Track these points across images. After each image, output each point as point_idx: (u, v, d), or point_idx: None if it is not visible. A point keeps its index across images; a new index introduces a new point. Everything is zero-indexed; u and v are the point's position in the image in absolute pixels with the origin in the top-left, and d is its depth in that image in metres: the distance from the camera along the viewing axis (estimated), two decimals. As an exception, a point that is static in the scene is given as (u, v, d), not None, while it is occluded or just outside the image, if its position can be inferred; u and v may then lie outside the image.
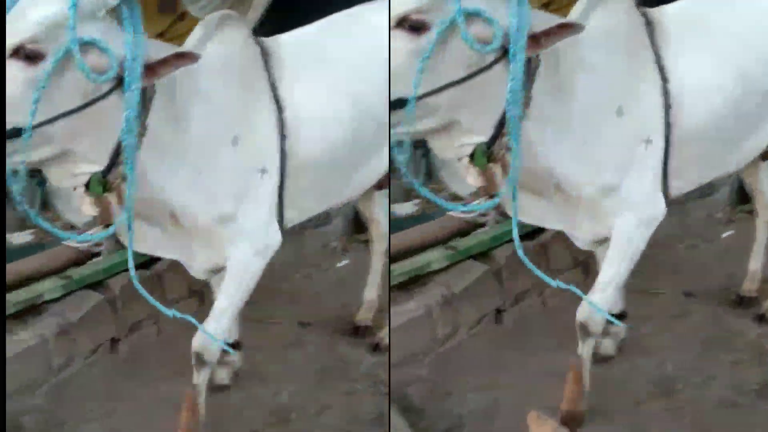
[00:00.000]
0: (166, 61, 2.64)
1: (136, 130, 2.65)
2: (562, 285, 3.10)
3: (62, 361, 3.65)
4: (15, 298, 3.63)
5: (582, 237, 3.31)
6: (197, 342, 3.11)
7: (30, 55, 2.49)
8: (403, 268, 3.81)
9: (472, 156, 2.87)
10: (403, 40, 2.68)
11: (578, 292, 3.15)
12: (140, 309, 3.74)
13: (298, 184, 3.18)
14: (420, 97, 2.68)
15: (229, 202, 3.06)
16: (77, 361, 3.68)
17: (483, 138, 2.85)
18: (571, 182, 3.12)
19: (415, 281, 3.84)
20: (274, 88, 3.08)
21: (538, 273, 3.10)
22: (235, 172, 3.04)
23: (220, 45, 2.99)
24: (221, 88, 2.98)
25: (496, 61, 2.73)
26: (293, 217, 3.27)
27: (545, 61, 2.87)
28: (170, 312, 2.95)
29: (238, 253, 3.11)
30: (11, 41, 2.49)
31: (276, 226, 3.18)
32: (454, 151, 2.91)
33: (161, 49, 2.67)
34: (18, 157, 2.53)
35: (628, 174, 3.16)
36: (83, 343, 3.72)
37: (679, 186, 3.33)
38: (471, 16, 2.66)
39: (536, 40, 2.74)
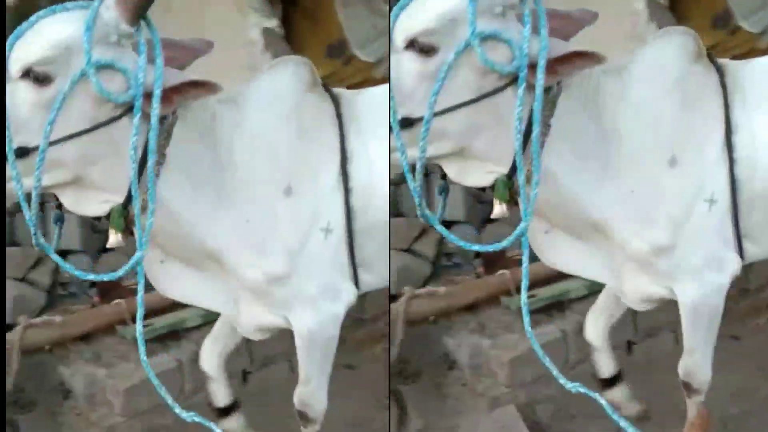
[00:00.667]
0: (179, 89, 2.60)
1: (153, 157, 2.60)
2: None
3: (193, 386, 3.91)
4: (160, 323, 3.94)
5: (631, 294, 3.16)
6: (296, 401, 3.13)
7: (39, 77, 2.53)
8: (545, 293, 4.09)
9: (492, 187, 2.79)
10: (413, 62, 2.65)
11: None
12: (275, 344, 3.77)
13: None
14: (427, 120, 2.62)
15: (281, 259, 2.92)
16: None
17: (503, 169, 2.75)
18: (613, 229, 2.99)
19: (555, 306, 4.14)
20: (342, 139, 2.93)
21: None
22: (288, 227, 2.91)
23: (280, 88, 2.92)
24: (276, 132, 2.90)
25: (507, 85, 2.65)
26: (370, 281, 3.08)
27: (578, 90, 2.80)
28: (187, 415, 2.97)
29: (298, 321, 3.01)
30: (22, 62, 2.53)
31: (347, 289, 3.02)
32: (473, 179, 2.83)
33: (178, 77, 2.61)
34: (28, 181, 2.56)
35: (686, 235, 3.00)
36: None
37: (756, 253, 3.10)
38: (486, 38, 2.60)
39: (552, 67, 2.63)
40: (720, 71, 3.01)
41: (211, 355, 3.39)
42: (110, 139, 2.59)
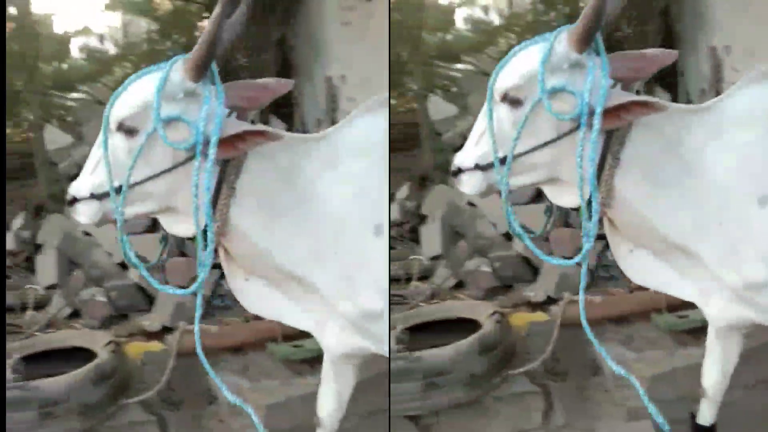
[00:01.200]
0: (240, 137, 3.00)
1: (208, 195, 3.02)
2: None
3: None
4: (311, 344, 4.03)
5: (718, 318, 3.38)
6: None
7: (128, 130, 3.02)
8: (697, 315, 3.88)
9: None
10: (506, 112, 3.11)
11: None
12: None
13: None
14: (520, 155, 3.10)
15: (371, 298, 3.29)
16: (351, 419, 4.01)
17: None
18: (702, 256, 3.22)
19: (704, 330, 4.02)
20: None
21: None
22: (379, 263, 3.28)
23: None
24: (366, 171, 3.28)
25: (578, 127, 3.06)
26: None
27: (658, 125, 3.11)
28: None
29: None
30: (115, 118, 3.04)
31: None
32: (565, 200, 3.24)
33: (238, 126, 3.01)
34: (130, 209, 3.08)
35: None
36: (360, 403, 3.96)
37: None
38: (556, 91, 3.02)
39: (614, 114, 3.01)
40: None
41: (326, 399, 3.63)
42: (187, 175, 3.04)
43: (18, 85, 6.67)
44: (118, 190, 3.04)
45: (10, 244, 4.09)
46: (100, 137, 3.08)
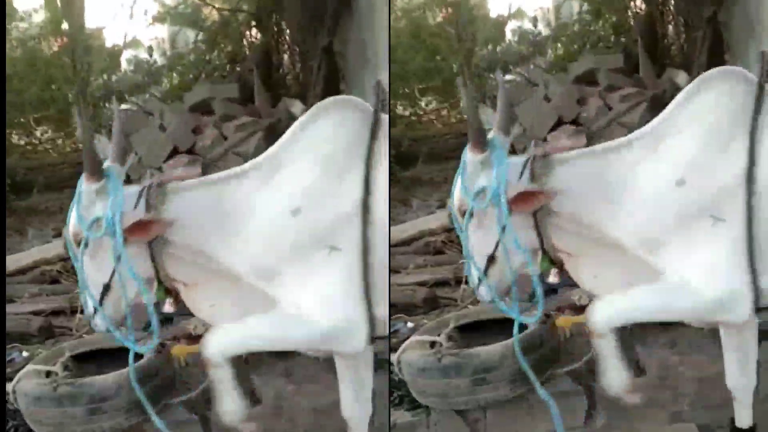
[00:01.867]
0: (132, 230, 3.57)
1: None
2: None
3: None
4: None
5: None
6: None
7: (81, 242, 3.58)
8: None
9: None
10: (471, 224, 3.70)
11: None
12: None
13: None
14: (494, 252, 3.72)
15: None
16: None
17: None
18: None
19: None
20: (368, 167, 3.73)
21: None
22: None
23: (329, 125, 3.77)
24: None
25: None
26: None
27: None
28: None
29: None
30: (71, 238, 3.63)
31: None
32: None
33: (133, 218, 3.57)
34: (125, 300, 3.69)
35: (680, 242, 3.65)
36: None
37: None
38: (479, 192, 3.65)
39: (521, 200, 3.62)
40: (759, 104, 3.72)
41: None
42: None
43: (70, 98, 6.87)
44: (107, 288, 3.63)
45: (61, 249, 4.23)
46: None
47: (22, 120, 6.83)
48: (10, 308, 5.06)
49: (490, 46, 6.97)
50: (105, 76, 7.19)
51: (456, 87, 6.83)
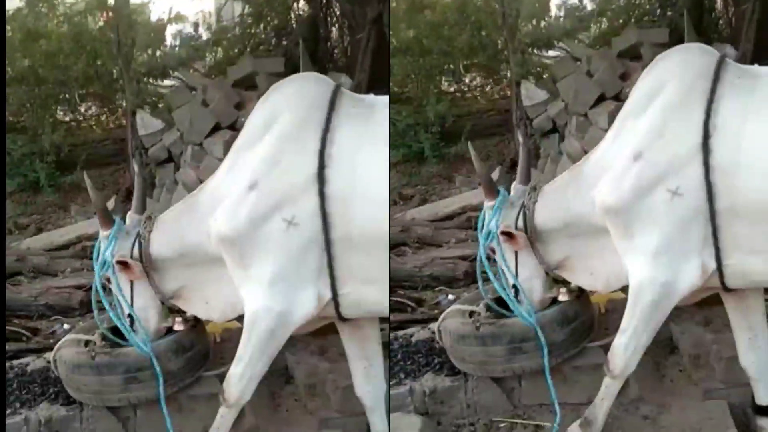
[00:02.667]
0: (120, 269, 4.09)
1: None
2: None
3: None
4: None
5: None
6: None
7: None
8: None
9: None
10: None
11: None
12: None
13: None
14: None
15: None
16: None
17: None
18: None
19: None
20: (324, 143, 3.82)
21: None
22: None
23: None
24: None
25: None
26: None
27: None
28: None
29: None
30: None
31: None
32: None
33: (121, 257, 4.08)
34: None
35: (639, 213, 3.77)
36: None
37: (737, 274, 3.72)
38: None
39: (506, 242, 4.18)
40: (717, 76, 3.78)
41: None
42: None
43: (114, 74, 6.98)
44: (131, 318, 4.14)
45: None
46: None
47: (67, 96, 6.94)
48: (52, 282, 5.26)
49: (534, 22, 7.01)
50: (150, 51, 7.32)
51: (500, 63, 6.88)
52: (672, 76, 3.85)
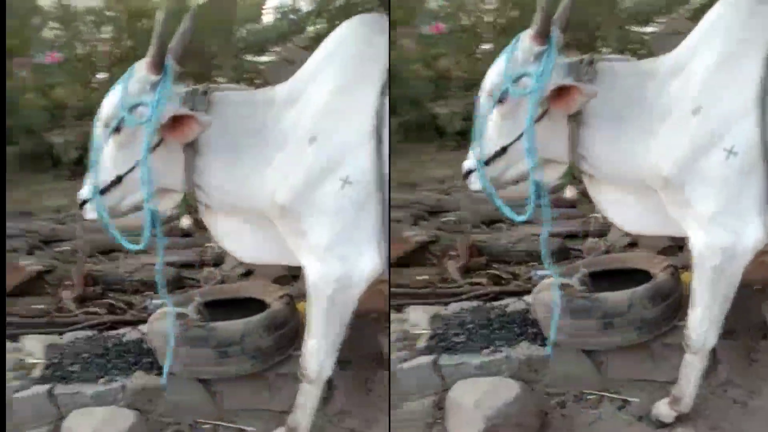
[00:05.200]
0: (180, 119, 3.75)
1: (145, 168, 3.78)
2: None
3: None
4: None
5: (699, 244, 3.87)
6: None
7: (116, 128, 3.78)
8: None
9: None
10: (495, 110, 3.85)
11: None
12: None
13: None
14: (512, 144, 3.84)
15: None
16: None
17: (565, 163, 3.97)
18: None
19: None
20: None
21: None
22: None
23: None
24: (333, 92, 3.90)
25: (546, 112, 3.81)
26: None
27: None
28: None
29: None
30: (100, 120, 3.84)
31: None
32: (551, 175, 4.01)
33: (181, 111, 3.76)
34: (127, 201, 3.90)
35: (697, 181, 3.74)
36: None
37: None
38: (520, 77, 3.76)
39: (561, 98, 3.73)
40: None
41: None
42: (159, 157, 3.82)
43: (212, 50, 7.22)
44: (119, 180, 3.82)
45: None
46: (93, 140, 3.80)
47: (166, 75, 7.19)
48: (145, 258, 5.54)
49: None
50: (248, 26, 7.53)
51: (597, 40, 6.93)
52: (729, 23, 3.80)
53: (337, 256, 3.88)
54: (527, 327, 4.82)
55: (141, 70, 3.81)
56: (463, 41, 7.10)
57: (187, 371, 4.54)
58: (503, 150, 3.89)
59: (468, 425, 4.33)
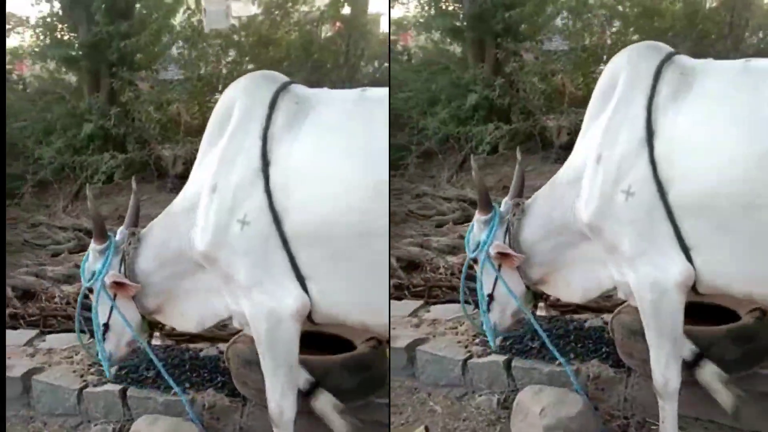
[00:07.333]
0: (113, 287, 4.35)
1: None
2: None
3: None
4: None
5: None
6: None
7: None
8: None
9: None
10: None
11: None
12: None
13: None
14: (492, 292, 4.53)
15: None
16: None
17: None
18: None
19: None
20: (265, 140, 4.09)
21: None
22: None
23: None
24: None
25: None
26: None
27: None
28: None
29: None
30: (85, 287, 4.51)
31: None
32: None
33: (115, 278, 4.35)
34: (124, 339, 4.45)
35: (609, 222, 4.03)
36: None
37: (711, 273, 3.86)
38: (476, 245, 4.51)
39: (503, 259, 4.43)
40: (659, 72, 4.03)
41: None
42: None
43: (335, 84, 7.36)
44: (107, 326, 4.43)
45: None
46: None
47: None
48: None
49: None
50: (376, 63, 7.69)
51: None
52: (620, 74, 4.11)
53: (263, 292, 4.08)
54: (602, 345, 4.87)
55: (92, 242, 4.48)
56: (581, 60, 7.20)
57: (258, 397, 4.49)
58: (491, 296, 4.50)
59: (529, 430, 4.38)
